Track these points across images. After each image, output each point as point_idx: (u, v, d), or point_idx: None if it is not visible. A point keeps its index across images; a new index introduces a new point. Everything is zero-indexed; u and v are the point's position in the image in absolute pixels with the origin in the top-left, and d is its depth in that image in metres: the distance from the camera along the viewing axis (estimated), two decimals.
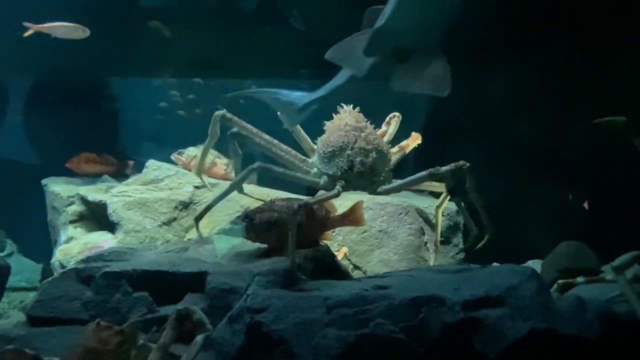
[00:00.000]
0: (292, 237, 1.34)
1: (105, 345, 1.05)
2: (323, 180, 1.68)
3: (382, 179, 1.68)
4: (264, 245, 1.52)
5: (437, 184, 1.68)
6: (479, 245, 1.58)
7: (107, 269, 1.41)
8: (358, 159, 1.62)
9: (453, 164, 1.52)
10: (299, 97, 1.97)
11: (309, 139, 1.82)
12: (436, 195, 2.08)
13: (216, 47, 2.93)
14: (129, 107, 3.09)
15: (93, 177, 2.53)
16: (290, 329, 1.11)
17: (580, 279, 1.26)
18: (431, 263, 2.02)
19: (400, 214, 2.14)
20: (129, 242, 2.00)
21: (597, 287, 1.22)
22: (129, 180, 2.31)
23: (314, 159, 1.73)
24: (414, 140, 1.85)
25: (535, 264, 1.58)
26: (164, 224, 2.09)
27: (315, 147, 1.75)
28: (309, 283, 1.33)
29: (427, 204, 2.20)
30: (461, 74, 2.68)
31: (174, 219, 2.11)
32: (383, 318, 1.07)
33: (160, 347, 1.05)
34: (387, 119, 1.88)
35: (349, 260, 2.05)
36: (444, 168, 1.52)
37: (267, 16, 2.92)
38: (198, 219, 1.72)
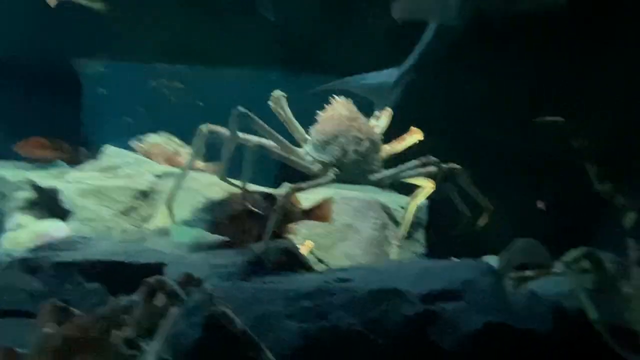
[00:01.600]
0: (272, 223, 1.33)
1: (86, 333, 0.98)
2: (317, 167, 1.71)
3: (374, 168, 1.73)
4: (225, 237, 1.49)
5: (424, 180, 1.71)
6: (479, 222, 1.62)
7: (57, 259, 1.35)
8: (351, 147, 1.67)
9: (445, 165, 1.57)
10: (388, 74, 1.96)
11: (301, 129, 1.83)
12: (403, 191, 2.12)
13: (184, 34, 2.84)
14: (87, 91, 2.95)
15: (44, 163, 2.39)
16: (250, 321, 1.09)
17: (530, 273, 1.31)
18: (394, 257, 2.05)
19: (365, 208, 2.15)
20: (83, 232, 1.90)
21: (549, 282, 1.27)
22: (84, 166, 2.20)
23: (307, 148, 1.76)
24: (412, 134, 1.88)
25: (491, 260, 1.64)
26: (122, 213, 2.00)
27: (307, 137, 1.78)
28: (271, 275, 1.32)
29: (391, 199, 2.22)
30: (432, 75, 2.74)
31: (132, 209, 2.03)
32: (344, 311, 1.07)
33: (133, 322, 1.00)
34: (378, 113, 1.91)
35: (312, 253, 2.05)
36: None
37: (239, 6, 2.86)
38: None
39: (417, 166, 1.64)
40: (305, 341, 1.05)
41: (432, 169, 1.68)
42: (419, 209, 2.21)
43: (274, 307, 1.13)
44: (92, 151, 2.39)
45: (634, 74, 2.26)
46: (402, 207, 2.19)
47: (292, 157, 1.73)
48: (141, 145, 2.32)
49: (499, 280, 1.20)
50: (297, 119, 1.90)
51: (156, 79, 2.99)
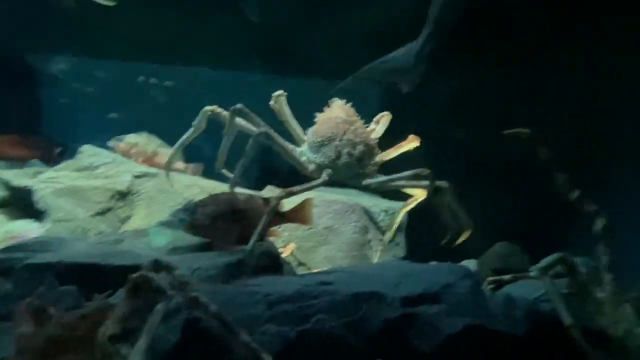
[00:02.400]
0: (262, 225, 1.34)
1: (71, 332, 0.96)
2: (311, 167, 1.75)
3: (367, 171, 1.76)
4: (205, 240, 1.47)
5: (417, 190, 1.73)
6: (458, 241, 1.66)
7: (30, 260, 1.30)
8: (345, 150, 1.70)
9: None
10: (407, 52, 1.95)
11: (299, 129, 1.85)
12: (385, 195, 2.13)
13: (163, 32, 2.80)
14: (64, 90, 2.88)
15: (19, 162, 2.33)
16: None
17: (506, 277, 1.34)
18: (375, 260, 2.06)
19: (347, 211, 2.16)
20: (58, 232, 1.86)
21: (525, 286, 1.30)
22: (60, 165, 2.15)
23: (304, 148, 1.79)
24: (410, 142, 1.90)
25: (469, 264, 1.66)
26: (98, 214, 1.96)
27: (305, 138, 1.80)
28: (252, 279, 1.30)
29: (372, 202, 2.23)
30: (449, 43, 2.75)
31: (109, 209, 1.99)
32: (324, 314, 1.07)
33: (118, 319, 0.98)
34: (377, 117, 1.93)
35: (294, 256, 2.04)
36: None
37: (222, 6, 2.84)
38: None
39: (410, 177, 1.67)
40: (286, 345, 1.04)
41: (423, 182, 1.70)
42: (398, 212, 2.23)
43: (254, 311, 1.11)
44: (70, 150, 2.33)
45: (600, 85, 2.35)
46: (384, 211, 2.21)
47: (294, 154, 1.76)
48: (120, 144, 2.28)
49: (478, 284, 1.22)
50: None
51: (138, 78, 2.94)
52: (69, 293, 1.27)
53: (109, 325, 0.96)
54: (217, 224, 1.41)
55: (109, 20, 2.73)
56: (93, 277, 1.30)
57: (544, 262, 1.12)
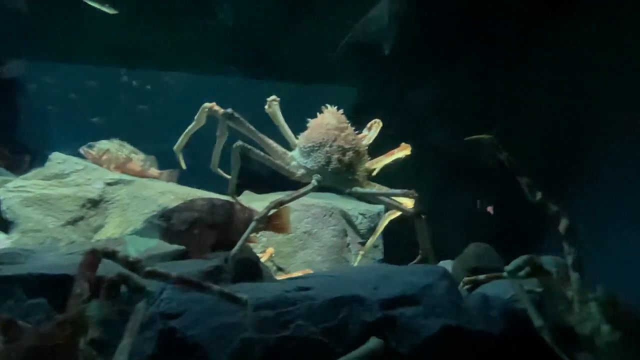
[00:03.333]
0: (248, 233, 1.34)
1: (51, 341, 0.92)
2: (300, 172, 1.75)
3: (357, 177, 1.77)
4: (181, 248, 1.44)
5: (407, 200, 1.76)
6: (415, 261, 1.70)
7: None
8: (335, 156, 1.72)
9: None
10: (381, 8, 1.95)
11: (291, 134, 1.87)
12: (362, 198, 2.15)
13: (138, 38, 2.75)
14: (31, 96, 2.78)
15: None
16: (207, 334, 1.06)
17: (481, 277, 1.36)
18: (355, 263, 2.07)
19: (325, 215, 2.16)
20: (26, 243, 1.79)
21: (500, 285, 1.32)
22: (28, 174, 2.07)
23: (295, 152, 1.81)
24: (402, 150, 1.93)
25: (446, 264, 1.69)
26: (69, 223, 1.90)
27: (297, 142, 1.82)
28: (230, 286, 1.28)
29: (350, 206, 2.24)
30: (383, 84, 2.81)
31: (81, 218, 1.93)
32: (304, 319, 1.06)
33: (95, 322, 0.96)
34: (369, 124, 1.97)
35: (272, 262, 2.02)
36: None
37: (197, 10, 2.81)
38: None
39: (398, 195, 1.71)
40: (266, 352, 1.03)
41: (409, 202, 1.74)
42: (376, 216, 2.25)
43: (232, 318, 1.10)
44: (39, 158, 2.26)
45: (561, 92, 2.45)
46: (362, 214, 2.22)
47: (277, 162, 1.76)
48: (91, 151, 2.22)
49: (454, 285, 1.24)
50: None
51: (110, 83, 2.88)
52: (38, 306, 1.23)
53: (90, 330, 0.94)
54: (192, 230, 1.38)
55: (85, 27, 2.67)
56: (64, 289, 1.25)
57: (512, 264, 1.14)
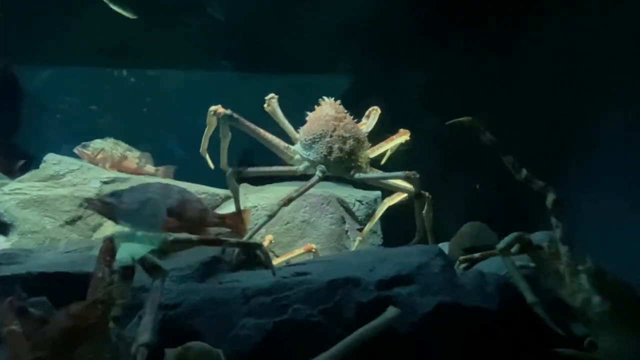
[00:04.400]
0: (258, 227, 1.43)
1: (82, 322, 0.96)
2: (304, 166, 1.79)
3: (360, 164, 1.81)
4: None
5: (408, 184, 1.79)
6: (412, 243, 1.73)
7: None
8: (336, 146, 1.75)
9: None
10: None
11: (292, 129, 1.90)
12: (358, 185, 2.16)
13: (128, 37, 2.73)
14: (23, 99, 2.78)
15: None
16: (206, 322, 1.07)
17: (476, 255, 1.37)
18: (353, 249, 2.08)
19: (322, 204, 2.17)
20: (26, 245, 1.80)
21: (497, 262, 1.33)
22: (24, 176, 2.07)
23: (296, 146, 1.84)
24: (401, 135, 1.97)
25: (443, 246, 1.70)
26: (67, 223, 1.90)
27: (298, 136, 1.85)
28: (229, 275, 1.30)
29: (347, 193, 2.25)
30: (379, 68, 2.80)
31: (79, 218, 1.93)
32: (301, 303, 1.08)
33: (119, 301, 1.00)
34: (367, 112, 2.01)
35: (272, 251, 2.03)
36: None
37: (187, 6, 2.80)
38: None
39: (399, 177, 1.74)
40: (264, 336, 1.04)
41: (409, 186, 1.77)
42: (373, 202, 2.26)
43: (231, 307, 1.11)
44: (33, 161, 2.26)
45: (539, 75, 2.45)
46: (359, 201, 2.23)
47: (274, 168, 1.81)
48: (85, 151, 2.22)
49: (449, 263, 1.25)
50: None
51: (102, 83, 2.87)
52: (39, 304, 1.24)
53: (114, 308, 0.99)
54: (143, 211, 1.36)
55: (75, 26, 2.65)
56: (63, 286, 1.27)
57: (502, 242, 1.15)
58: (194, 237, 1.15)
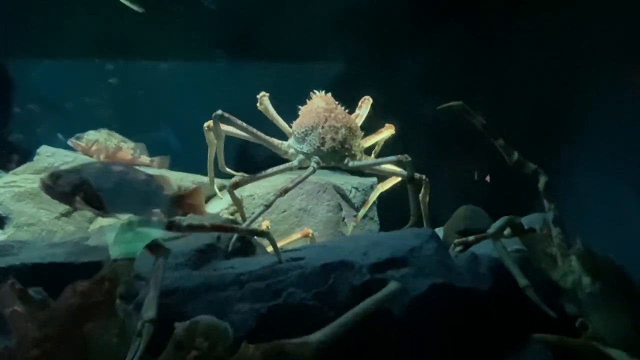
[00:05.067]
0: (255, 216, 1.48)
1: (89, 299, 0.96)
2: (299, 159, 1.82)
3: (353, 152, 1.84)
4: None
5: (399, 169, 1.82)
6: (407, 226, 1.75)
7: None
8: (329, 136, 1.78)
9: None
10: None
11: (285, 125, 1.93)
12: (354, 172, 2.17)
13: (120, 28, 2.71)
14: (18, 91, 2.76)
15: None
16: (201, 309, 1.08)
17: (471, 238, 1.38)
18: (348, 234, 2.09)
19: (319, 191, 2.17)
20: (22, 238, 1.80)
21: (490, 244, 1.33)
22: (18, 169, 2.07)
23: (290, 141, 1.88)
24: (387, 129, 2.02)
25: (438, 231, 1.71)
26: (63, 215, 1.91)
27: (291, 131, 1.88)
28: (223, 262, 1.30)
29: (343, 180, 2.25)
30: (375, 55, 2.79)
31: (75, 210, 1.94)
32: (295, 287, 1.08)
33: (123, 278, 1.03)
34: (360, 102, 2.04)
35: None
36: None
37: None
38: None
39: (392, 161, 1.77)
40: (259, 321, 1.05)
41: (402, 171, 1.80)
42: (369, 189, 2.26)
43: (226, 292, 1.12)
44: (27, 153, 2.25)
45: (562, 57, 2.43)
46: (355, 188, 2.23)
47: (272, 142, 1.84)
48: (80, 143, 2.21)
49: (442, 245, 1.25)
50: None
51: (94, 75, 2.84)
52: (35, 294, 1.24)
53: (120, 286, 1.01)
54: (76, 194, 1.32)
55: (66, 19, 2.62)
56: (59, 276, 1.27)
57: (493, 227, 1.16)
58: (206, 222, 1.18)
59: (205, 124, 1.83)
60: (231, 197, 1.68)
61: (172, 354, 0.91)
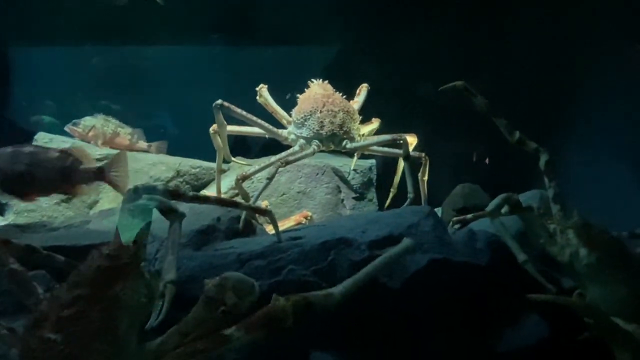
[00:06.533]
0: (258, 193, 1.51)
1: (117, 261, 0.98)
2: (300, 144, 1.87)
3: (352, 135, 1.89)
4: None
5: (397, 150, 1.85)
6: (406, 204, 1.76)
7: None
8: (327, 120, 1.84)
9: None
10: None
11: (285, 114, 1.98)
12: (352, 154, 2.18)
13: (116, 13, 2.68)
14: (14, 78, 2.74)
15: None
16: (203, 288, 1.09)
17: (469, 216, 1.39)
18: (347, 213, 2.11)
19: (317, 174, 2.18)
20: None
21: (487, 220, 1.34)
22: None
23: (290, 128, 1.93)
24: (373, 123, 2.08)
25: (438, 211, 1.72)
26: (63, 201, 1.91)
27: (290, 119, 1.94)
28: (224, 242, 1.31)
29: (341, 162, 2.25)
30: (375, 37, 2.77)
31: (75, 195, 1.94)
32: (295, 264, 1.09)
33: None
34: (358, 89, 2.10)
35: (268, 222, 2.05)
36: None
37: None
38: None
39: (387, 140, 1.82)
40: (260, 297, 1.06)
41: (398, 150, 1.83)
42: (368, 170, 2.27)
43: (227, 271, 1.12)
44: (25, 140, 2.24)
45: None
46: (353, 170, 2.24)
47: (271, 128, 1.87)
48: (77, 129, 2.20)
49: (440, 221, 1.26)
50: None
51: (87, 60, 2.82)
52: (38, 277, 1.26)
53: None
54: None
55: (61, 5, 2.59)
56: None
57: (491, 205, 1.17)
58: (211, 196, 1.22)
59: (211, 129, 1.85)
60: (239, 190, 1.70)
61: (203, 308, 0.95)
